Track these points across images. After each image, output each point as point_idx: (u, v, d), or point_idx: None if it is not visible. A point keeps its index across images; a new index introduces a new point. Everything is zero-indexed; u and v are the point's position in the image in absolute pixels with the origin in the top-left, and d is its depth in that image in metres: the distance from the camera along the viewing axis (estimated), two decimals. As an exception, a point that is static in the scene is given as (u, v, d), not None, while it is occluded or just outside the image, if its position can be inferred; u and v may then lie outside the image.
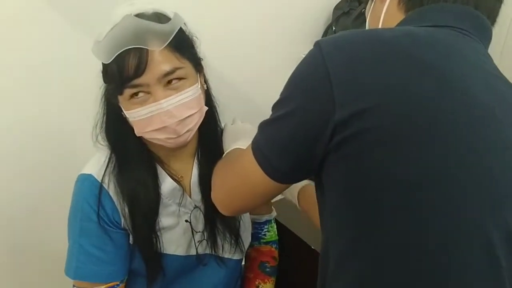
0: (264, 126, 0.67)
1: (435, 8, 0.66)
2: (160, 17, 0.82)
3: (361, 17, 1.64)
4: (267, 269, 1.14)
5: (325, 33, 1.76)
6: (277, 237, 1.17)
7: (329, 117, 0.57)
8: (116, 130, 0.90)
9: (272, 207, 1.15)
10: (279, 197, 1.23)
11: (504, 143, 0.57)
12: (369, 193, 0.57)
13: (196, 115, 0.86)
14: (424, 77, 0.56)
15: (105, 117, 0.90)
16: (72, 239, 0.89)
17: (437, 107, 0.55)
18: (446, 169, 0.54)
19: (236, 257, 1.03)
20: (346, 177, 0.59)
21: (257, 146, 0.67)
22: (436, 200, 0.54)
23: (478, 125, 0.56)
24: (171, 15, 0.83)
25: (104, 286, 0.90)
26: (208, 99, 0.94)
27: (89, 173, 0.89)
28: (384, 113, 0.55)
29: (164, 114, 0.81)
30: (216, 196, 0.80)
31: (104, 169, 0.89)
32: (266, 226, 1.14)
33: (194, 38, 0.88)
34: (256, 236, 1.14)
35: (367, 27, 0.82)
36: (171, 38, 0.79)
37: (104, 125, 0.90)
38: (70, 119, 1.38)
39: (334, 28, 1.71)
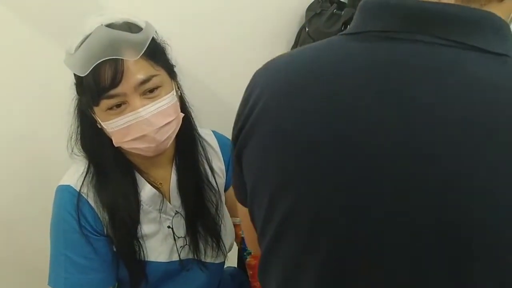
0: None
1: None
2: (130, 27, 0.83)
3: (333, 17, 1.67)
4: None
5: (299, 34, 1.78)
6: None
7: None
8: (92, 141, 0.90)
9: None
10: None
11: None
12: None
13: (174, 122, 0.87)
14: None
15: (79, 129, 0.90)
16: (57, 250, 0.89)
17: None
18: None
19: (218, 261, 1.04)
20: None
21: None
22: None
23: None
24: (142, 24, 0.84)
25: None
26: (183, 104, 0.94)
27: (67, 184, 0.89)
28: None
29: (143, 122, 0.82)
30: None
31: (83, 179, 0.89)
32: None
33: (165, 45, 0.89)
34: None
35: None
36: (146, 47, 0.80)
37: (79, 137, 0.90)
38: (44, 127, 1.37)
39: (307, 29, 1.73)
